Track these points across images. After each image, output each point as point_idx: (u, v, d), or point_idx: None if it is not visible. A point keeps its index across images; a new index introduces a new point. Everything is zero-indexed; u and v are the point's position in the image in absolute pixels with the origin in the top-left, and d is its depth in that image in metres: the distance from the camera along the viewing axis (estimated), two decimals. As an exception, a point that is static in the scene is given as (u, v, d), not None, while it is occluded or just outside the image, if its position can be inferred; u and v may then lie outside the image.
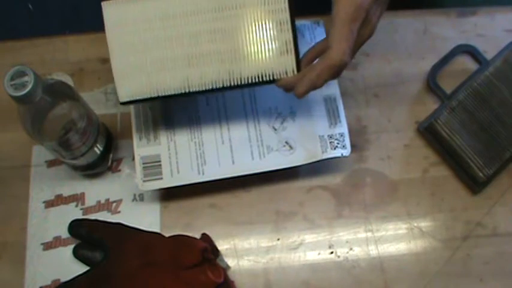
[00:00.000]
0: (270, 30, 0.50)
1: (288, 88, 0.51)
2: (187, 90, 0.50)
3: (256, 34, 0.50)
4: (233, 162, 0.58)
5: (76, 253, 0.58)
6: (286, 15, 0.50)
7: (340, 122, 0.59)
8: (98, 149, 0.58)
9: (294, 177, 0.62)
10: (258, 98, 0.60)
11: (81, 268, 0.57)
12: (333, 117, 0.59)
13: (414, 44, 0.68)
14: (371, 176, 0.63)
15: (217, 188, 0.60)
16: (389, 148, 0.64)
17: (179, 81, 0.50)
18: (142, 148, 0.58)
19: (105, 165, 0.61)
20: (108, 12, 0.50)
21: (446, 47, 0.67)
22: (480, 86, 0.63)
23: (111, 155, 0.62)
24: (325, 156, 0.58)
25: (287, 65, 0.50)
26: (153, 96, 0.51)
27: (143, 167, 0.57)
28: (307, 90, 0.49)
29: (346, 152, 0.58)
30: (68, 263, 0.58)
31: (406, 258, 0.60)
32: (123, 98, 0.51)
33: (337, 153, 0.58)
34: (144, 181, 0.57)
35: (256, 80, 0.50)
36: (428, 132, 0.63)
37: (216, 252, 0.58)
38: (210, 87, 0.50)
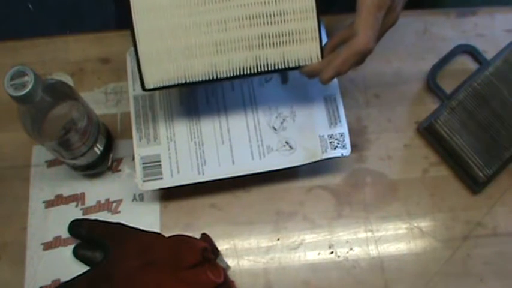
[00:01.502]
0: (296, 18, 0.50)
1: (312, 74, 0.52)
2: (214, 77, 0.50)
3: (282, 21, 0.50)
4: (233, 162, 0.58)
5: (76, 253, 0.58)
6: (312, 3, 0.50)
7: (340, 122, 0.59)
8: (98, 149, 0.58)
9: (294, 177, 0.62)
10: (258, 97, 0.60)
11: (81, 268, 0.57)
12: (333, 117, 0.59)
13: (414, 44, 0.68)
14: (371, 176, 0.63)
15: (217, 188, 0.60)
16: (390, 148, 0.64)
17: (207, 68, 0.50)
18: (142, 148, 0.58)
19: (105, 165, 0.61)
20: None
21: (446, 47, 0.67)
22: (480, 86, 0.63)
23: (111, 155, 0.62)
24: (325, 156, 0.58)
25: (312, 51, 0.51)
26: (180, 82, 0.51)
27: (143, 167, 0.57)
28: (332, 76, 0.51)
29: (346, 152, 0.58)
30: (68, 263, 0.58)
31: (406, 258, 0.60)
32: (149, 84, 0.50)
33: (337, 153, 0.58)
34: (144, 181, 0.57)
35: (282, 66, 0.51)
36: (428, 132, 0.63)
37: (216, 252, 0.58)
38: (237, 73, 0.51)
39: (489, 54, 0.66)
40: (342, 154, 0.58)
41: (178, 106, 0.60)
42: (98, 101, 0.64)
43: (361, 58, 0.49)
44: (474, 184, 0.62)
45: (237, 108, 0.60)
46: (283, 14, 0.50)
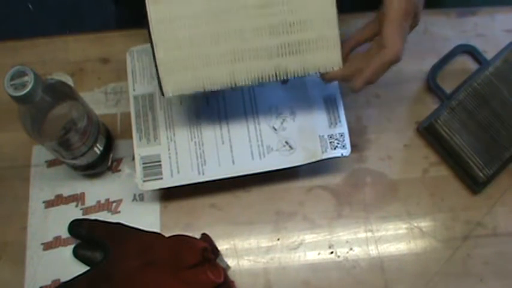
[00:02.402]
0: (316, 26, 0.50)
1: (334, 80, 0.53)
2: (233, 85, 0.51)
3: (302, 29, 0.50)
4: (233, 162, 0.58)
5: (76, 253, 0.58)
6: (333, 10, 0.50)
7: (340, 122, 0.59)
8: (98, 149, 0.58)
9: (294, 177, 0.62)
10: (258, 98, 0.60)
11: (81, 268, 0.57)
12: (332, 117, 0.59)
13: (414, 44, 0.68)
14: (371, 176, 0.63)
15: (217, 188, 0.60)
16: (390, 148, 0.64)
17: (225, 76, 0.50)
18: (142, 148, 0.58)
19: (105, 165, 0.61)
20: (153, 7, 0.49)
21: (446, 47, 0.67)
22: (480, 86, 0.63)
23: (111, 155, 0.62)
24: (325, 156, 0.58)
25: (333, 59, 0.51)
26: (198, 91, 0.51)
27: (143, 167, 0.57)
28: (363, 86, 0.51)
29: (346, 152, 0.58)
30: (68, 263, 0.58)
31: (406, 258, 0.60)
32: (168, 93, 0.51)
33: (337, 153, 0.58)
34: (144, 181, 0.57)
35: (302, 73, 0.51)
36: (428, 132, 0.63)
37: (216, 252, 0.58)
38: (256, 82, 0.51)
39: (489, 54, 0.66)
40: (342, 154, 0.58)
41: (178, 106, 0.60)
42: (98, 101, 0.64)
43: (389, 67, 0.50)
44: (474, 184, 0.62)
45: (237, 108, 0.60)
46: (303, 22, 0.50)
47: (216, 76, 0.50)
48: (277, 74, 0.51)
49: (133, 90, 0.60)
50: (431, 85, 0.65)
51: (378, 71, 0.50)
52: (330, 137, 0.58)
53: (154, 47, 0.49)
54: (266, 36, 0.50)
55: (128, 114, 0.60)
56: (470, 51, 0.67)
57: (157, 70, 0.50)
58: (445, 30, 0.68)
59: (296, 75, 0.51)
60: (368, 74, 0.50)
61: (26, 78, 0.45)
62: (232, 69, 0.50)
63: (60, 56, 0.66)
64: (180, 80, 0.50)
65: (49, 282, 0.58)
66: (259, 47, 0.50)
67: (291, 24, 0.49)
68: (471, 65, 0.67)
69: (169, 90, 0.51)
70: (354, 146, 0.59)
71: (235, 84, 0.51)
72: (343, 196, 0.62)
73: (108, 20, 0.94)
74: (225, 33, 0.49)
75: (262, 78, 0.51)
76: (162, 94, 0.51)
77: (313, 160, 0.58)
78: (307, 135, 0.59)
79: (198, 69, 0.50)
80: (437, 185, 0.63)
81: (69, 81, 0.65)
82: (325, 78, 0.52)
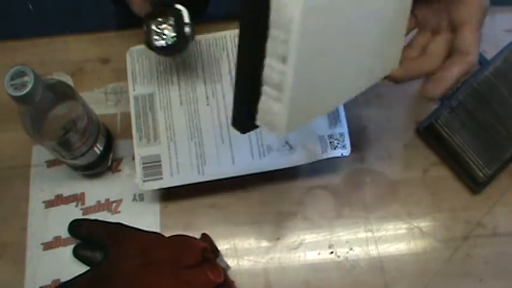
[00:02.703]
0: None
1: (398, 80, 0.49)
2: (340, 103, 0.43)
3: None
4: (233, 162, 0.58)
5: (76, 253, 0.58)
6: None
7: (340, 121, 0.59)
8: (98, 149, 0.58)
9: (293, 177, 0.62)
10: None
11: (81, 268, 0.57)
12: (332, 117, 0.59)
13: (414, 44, 0.68)
14: (371, 176, 0.63)
15: (217, 188, 0.60)
16: (390, 148, 0.64)
17: (334, 99, 0.41)
18: (142, 148, 0.58)
19: (105, 165, 0.61)
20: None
21: (446, 47, 0.67)
22: (480, 86, 0.63)
23: (111, 155, 0.62)
24: (325, 156, 0.58)
25: (394, 57, 0.45)
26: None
27: (143, 167, 0.57)
28: (443, 92, 0.47)
29: (346, 151, 0.58)
30: (68, 263, 0.58)
31: (406, 258, 0.60)
32: (286, 130, 0.36)
33: (337, 153, 0.58)
34: (144, 181, 0.57)
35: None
36: (428, 132, 0.63)
37: (216, 252, 0.58)
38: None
39: (489, 54, 0.66)
40: (342, 154, 0.58)
41: (178, 106, 0.60)
42: (98, 101, 0.64)
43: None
44: (474, 184, 0.62)
45: None
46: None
47: (327, 102, 0.39)
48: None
49: (134, 90, 0.60)
50: (431, 85, 0.65)
51: (459, 79, 0.46)
52: (330, 136, 0.58)
53: (289, 63, 0.33)
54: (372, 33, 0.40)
55: (128, 114, 0.60)
56: (470, 51, 0.67)
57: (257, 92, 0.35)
58: (445, 30, 0.68)
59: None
60: (450, 82, 0.45)
61: (26, 78, 0.45)
62: (341, 88, 0.41)
63: (60, 56, 0.66)
64: (306, 111, 0.37)
65: (49, 282, 0.58)
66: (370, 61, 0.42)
67: None
68: (471, 65, 0.67)
69: (288, 126, 0.36)
70: (353, 146, 0.59)
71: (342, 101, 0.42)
72: (343, 196, 0.62)
73: (108, 20, 0.94)
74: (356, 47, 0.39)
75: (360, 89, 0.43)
76: (249, 127, 0.37)
77: (313, 160, 0.58)
78: (307, 135, 0.59)
79: (328, 94, 0.39)
80: (437, 185, 0.63)
81: (69, 81, 0.65)
82: (391, 78, 0.48)
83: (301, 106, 0.35)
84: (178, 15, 0.52)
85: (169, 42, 0.52)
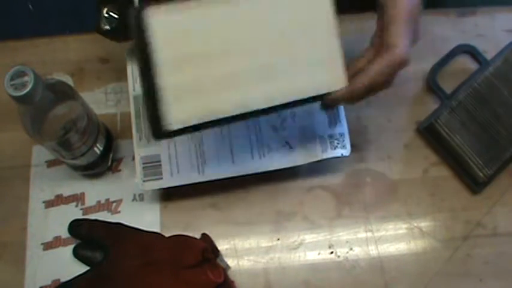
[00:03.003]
0: (318, 45, 0.47)
1: (339, 102, 0.49)
2: (244, 111, 0.44)
3: (304, 50, 0.47)
4: (233, 162, 0.58)
5: (76, 253, 0.58)
6: (334, 35, 0.47)
7: (340, 122, 0.59)
8: (98, 149, 0.58)
9: (294, 177, 0.62)
10: None
11: (81, 268, 0.57)
12: (333, 117, 0.59)
13: (414, 44, 0.68)
14: (371, 176, 0.63)
15: (217, 188, 0.60)
16: (389, 148, 0.64)
17: (236, 102, 0.44)
18: (142, 148, 0.58)
19: (105, 165, 0.61)
20: (157, 21, 0.41)
21: (446, 47, 0.67)
22: (480, 86, 0.63)
23: (111, 155, 0.62)
24: (325, 156, 0.58)
25: (337, 77, 0.47)
26: (207, 120, 0.43)
27: (143, 167, 0.57)
28: (363, 94, 0.47)
29: (346, 152, 0.58)
30: (68, 263, 0.58)
31: (406, 258, 0.60)
32: (172, 125, 0.42)
33: (337, 153, 0.58)
34: (144, 181, 0.57)
35: (310, 92, 0.47)
36: (428, 132, 0.63)
37: (216, 252, 0.58)
38: (267, 106, 0.45)
39: (489, 54, 0.66)
40: (342, 154, 0.58)
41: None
42: (98, 101, 0.64)
43: (397, 70, 0.46)
44: (474, 184, 0.62)
45: None
46: (304, 42, 0.46)
47: (226, 103, 0.44)
48: (284, 94, 0.46)
49: (134, 90, 0.60)
50: (431, 85, 0.65)
51: (382, 73, 0.45)
52: (330, 137, 0.58)
53: (158, 70, 0.41)
54: (278, 54, 0.45)
55: (128, 114, 0.60)
56: (470, 51, 0.67)
57: (153, 100, 0.42)
58: (445, 30, 0.68)
59: (304, 98, 0.47)
60: (372, 74, 0.45)
61: (26, 78, 0.45)
62: (244, 92, 0.44)
63: (60, 56, 0.66)
64: (189, 108, 0.42)
65: (49, 282, 0.58)
66: (267, 66, 0.45)
67: (292, 44, 0.46)
68: (471, 65, 0.67)
69: (174, 120, 0.42)
70: (353, 146, 0.59)
71: (249, 110, 0.45)
72: (343, 196, 0.62)
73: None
74: (238, 50, 0.44)
75: (271, 102, 0.45)
76: (158, 133, 0.43)
77: (313, 160, 0.58)
78: (307, 135, 0.59)
79: (210, 95, 0.43)
80: (437, 185, 0.63)
81: (69, 81, 0.65)
82: (330, 99, 0.48)
83: (186, 99, 0.42)
84: None
85: (113, 25, 0.51)
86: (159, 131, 0.43)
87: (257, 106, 0.45)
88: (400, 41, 0.46)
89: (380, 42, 0.48)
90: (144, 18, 0.41)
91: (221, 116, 0.44)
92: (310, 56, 0.46)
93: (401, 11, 0.46)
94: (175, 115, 0.42)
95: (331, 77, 0.47)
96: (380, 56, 0.46)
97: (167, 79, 0.42)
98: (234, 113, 0.44)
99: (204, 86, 0.43)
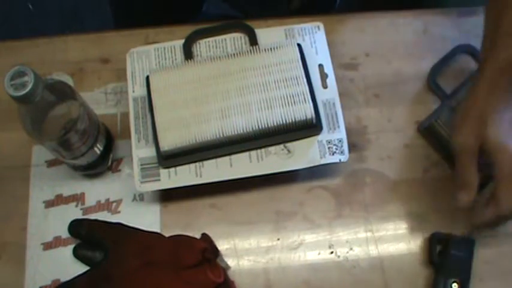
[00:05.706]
0: (288, 84, 0.57)
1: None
2: (221, 136, 0.56)
3: (277, 87, 0.57)
4: (231, 165, 0.58)
5: (76, 253, 0.58)
6: (301, 72, 0.57)
7: (338, 127, 0.59)
8: (98, 149, 0.58)
9: (294, 177, 0.62)
10: None
11: (81, 268, 0.57)
12: (331, 122, 0.59)
13: (414, 44, 0.68)
14: (371, 176, 0.63)
15: (217, 188, 0.60)
16: (389, 148, 0.64)
17: (214, 131, 0.56)
18: (140, 149, 0.58)
19: (105, 165, 0.61)
20: (154, 79, 0.58)
21: (446, 47, 0.67)
22: (480, 86, 0.63)
23: (111, 155, 0.62)
24: (323, 161, 0.58)
25: (306, 111, 0.56)
26: (190, 143, 0.56)
27: (141, 168, 0.57)
28: (476, 222, 0.55)
29: (344, 157, 0.58)
30: (68, 263, 0.58)
31: (406, 258, 0.60)
32: (164, 147, 0.56)
33: (335, 158, 0.58)
34: (141, 182, 0.57)
35: (281, 123, 0.56)
36: (429, 132, 0.63)
37: (216, 252, 0.58)
38: (241, 133, 0.56)
39: (489, 54, 0.66)
40: (340, 160, 0.58)
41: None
42: (98, 101, 0.64)
43: (505, 222, 0.53)
44: (474, 184, 0.62)
45: None
46: (277, 81, 0.57)
47: (206, 131, 0.56)
48: (259, 125, 0.56)
49: (133, 91, 0.60)
50: (431, 85, 0.65)
51: (491, 221, 0.52)
52: (329, 142, 0.58)
53: (154, 109, 0.57)
54: (246, 95, 0.56)
55: (128, 115, 0.60)
56: (470, 51, 0.67)
57: (154, 130, 0.57)
58: (445, 30, 0.68)
59: (276, 124, 0.56)
60: (480, 219, 0.53)
61: (26, 78, 0.45)
62: (220, 124, 0.56)
63: (60, 56, 0.66)
64: (175, 136, 0.56)
65: (49, 282, 0.58)
66: (241, 103, 0.56)
67: (267, 83, 0.57)
68: (471, 65, 0.67)
69: (166, 145, 0.56)
70: (353, 146, 0.59)
71: (223, 135, 0.56)
72: (343, 196, 0.62)
73: (108, 20, 0.94)
74: (213, 94, 0.57)
75: (246, 130, 0.56)
76: (160, 155, 0.57)
77: (311, 165, 0.58)
78: (305, 140, 0.58)
79: (190, 126, 0.56)
80: (438, 185, 0.63)
81: (69, 81, 0.65)
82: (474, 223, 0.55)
83: (172, 130, 0.56)
84: None
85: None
86: (160, 156, 0.57)
87: (234, 132, 0.56)
88: (503, 201, 0.51)
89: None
90: (149, 77, 0.59)
91: (200, 140, 0.55)
92: (279, 94, 0.57)
93: (508, 169, 0.50)
94: (165, 140, 0.56)
95: (300, 112, 0.56)
96: (488, 205, 0.52)
97: (160, 117, 0.57)
98: (211, 139, 0.55)
99: (185, 120, 0.56)
